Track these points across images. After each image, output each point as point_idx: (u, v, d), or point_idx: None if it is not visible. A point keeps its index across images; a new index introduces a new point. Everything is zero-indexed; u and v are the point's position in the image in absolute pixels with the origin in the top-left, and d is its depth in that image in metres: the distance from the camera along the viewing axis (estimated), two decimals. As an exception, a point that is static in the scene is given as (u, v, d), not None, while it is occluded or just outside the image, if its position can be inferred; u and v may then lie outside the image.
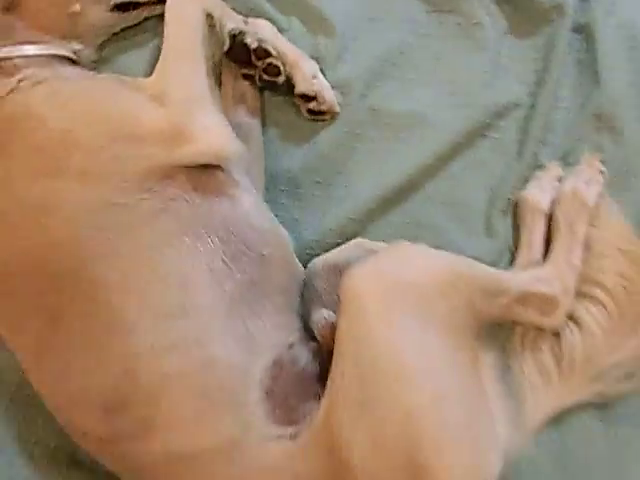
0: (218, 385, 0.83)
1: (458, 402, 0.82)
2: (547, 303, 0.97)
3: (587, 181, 1.07)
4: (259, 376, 0.84)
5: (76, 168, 0.84)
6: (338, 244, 1.04)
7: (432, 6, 1.16)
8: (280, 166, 1.09)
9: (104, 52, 1.10)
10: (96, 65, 1.09)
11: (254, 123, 1.10)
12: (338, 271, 1.03)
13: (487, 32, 1.14)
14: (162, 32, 1.08)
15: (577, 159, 1.09)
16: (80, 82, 0.96)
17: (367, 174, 1.09)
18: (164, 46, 0.97)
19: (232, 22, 1.05)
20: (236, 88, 1.10)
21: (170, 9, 1.03)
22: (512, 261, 1.07)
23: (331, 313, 0.99)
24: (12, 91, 0.90)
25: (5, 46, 0.96)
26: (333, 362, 0.84)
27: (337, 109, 1.10)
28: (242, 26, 1.05)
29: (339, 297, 0.85)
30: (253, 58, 1.05)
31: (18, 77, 0.92)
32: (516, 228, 1.09)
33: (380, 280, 0.83)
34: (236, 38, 1.04)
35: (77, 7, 1.01)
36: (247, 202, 0.95)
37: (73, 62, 1.02)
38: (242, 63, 1.07)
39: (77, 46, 1.03)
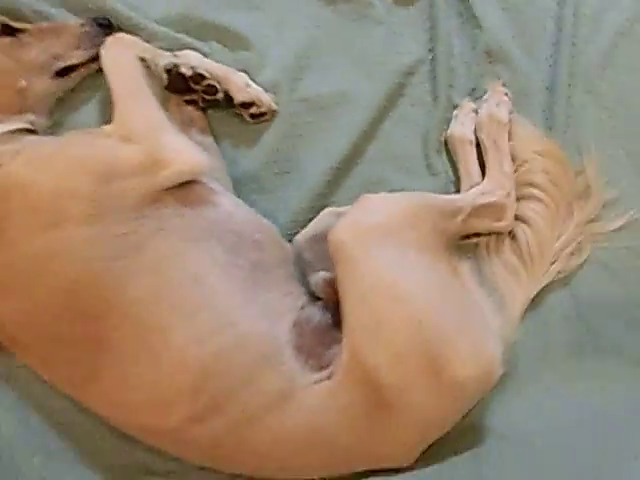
0: (256, 353, 0.92)
1: (450, 302, 0.96)
2: (496, 209, 1.11)
3: (497, 104, 1.20)
4: (286, 337, 0.95)
5: (74, 214, 0.91)
6: (311, 219, 1.14)
7: (325, 1, 1.26)
8: (240, 169, 1.17)
9: (54, 117, 1.16)
10: (51, 130, 1.15)
11: (208, 140, 1.19)
12: (319, 239, 1.15)
13: (378, 9, 1.26)
14: (100, 86, 1.22)
15: (482, 92, 1.23)
16: (53, 143, 1.03)
17: (316, 154, 1.19)
18: (114, 94, 1.05)
19: (163, 59, 1.15)
20: (183, 114, 1.18)
21: (107, 63, 1.10)
22: (457, 192, 1.18)
23: (325, 273, 1.12)
24: None
25: None
26: (341, 307, 0.95)
27: (275, 107, 1.19)
28: (174, 60, 1.14)
29: (330, 253, 0.96)
30: (191, 84, 1.15)
31: (2, 149, 0.98)
32: (452, 163, 1.22)
33: (357, 228, 0.95)
34: (171, 71, 1.13)
35: (23, 83, 1.08)
36: (226, 203, 1.05)
37: (32, 132, 1.09)
38: (182, 92, 1.16)
39: (31, 117, 1.09)
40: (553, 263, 1.14)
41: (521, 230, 1.14)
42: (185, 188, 0.99)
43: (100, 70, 1.15)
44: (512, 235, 1.15)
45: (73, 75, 1.16)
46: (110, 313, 0.90)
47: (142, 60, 1.14)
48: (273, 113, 1.20)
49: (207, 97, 1.16)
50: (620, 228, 1.16)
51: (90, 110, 1.19)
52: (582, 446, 0.98)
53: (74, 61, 1.14)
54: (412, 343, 0.90)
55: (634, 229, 1.16)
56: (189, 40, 1.22)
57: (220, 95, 1.17)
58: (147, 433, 0.97)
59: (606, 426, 1.01)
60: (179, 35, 1.22)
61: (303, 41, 1.25)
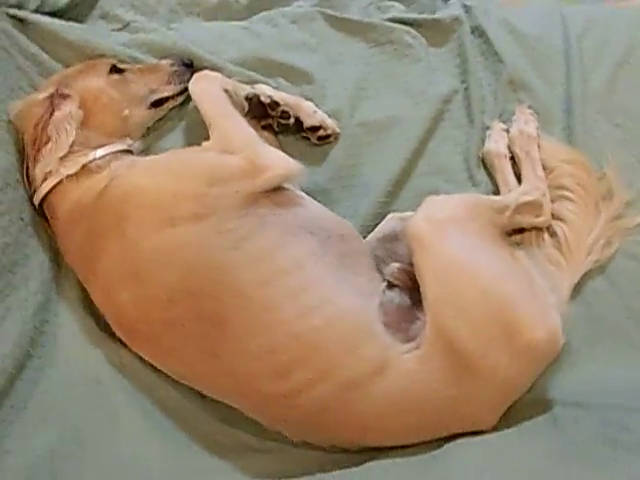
0: (354, 325, 0.98)
1: (513, 277, 1.05)
2: (535, 207, 1.21)
3: (526, 122, 1.33)
4: (375, 315, 1.01)
5: (187, 214, 0.99)
6: (376, 224, 1.24)
7: (373, 43, 1.41)
8: (312, 184, 1.25)
9: (146, 142, 1.26)
10: (144, 153, 1.23)
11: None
12: (387, 239, 1.24)
13: (416, 49, 1.41)
14: (182, 117, 1.29)
15: (509, 115, 1.36)
16: (161, 157, 1.11)
17: (375, 169, 1.30)
18: (208, 117, 1.14)
19: (243, 90, 1.24)
20: (260, 137, 1.21)
21: (197, 93, 1.19)
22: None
23: (398, 263, 1.14)
24: (112, 179, 1.04)
25: (87, 153, 1.10)
26: (421, 287, 1.02)
27: (338, 130, 1.30)
28: (252, 90, 1.25)
29: (408, 245, 1.06)
30: (269, 110, 1.25)
31: (107, 171, 1.08)
32: (490, 176, 1.33)
33: (429, 222, 1.05)
34: (251, 100, 1.24)
35: (127, 112, 1.19)
36: (312, 205, 1.14)
37: (130, 153, 1.18)
38: (260, 117, 1.26)
39: (130, 141, 1.19)
40: (589, 254, 1.22)
41: (558, 226, 1.24)
42: (277, 192, 1.08)
43: (184, 102, 1.28)
44: (551, 232, 1.24)
45: (164, 106, 1.26)
46: (226, 295, 0.96)
47: (225, 91, 1.29)
48: (337, 136, 1.30)
49: (282, 121, 1.26)
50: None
51: (174, 137, 1.28)
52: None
53: (166, 94, 1.24)
54: (487, 312, 0.97)
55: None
56: (259, 77, 1.32)
57: (292, 120, 1.26)
58: (261, 401, 0.99)
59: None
60: (250, 73, 1.33)
61: (356, 76, 1.38)
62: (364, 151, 1.33)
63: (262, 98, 1.26)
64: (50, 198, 1.11)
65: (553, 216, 1.27)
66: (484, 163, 1.36)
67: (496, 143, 1.36)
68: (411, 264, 1.13)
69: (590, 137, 1.37)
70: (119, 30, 1.41)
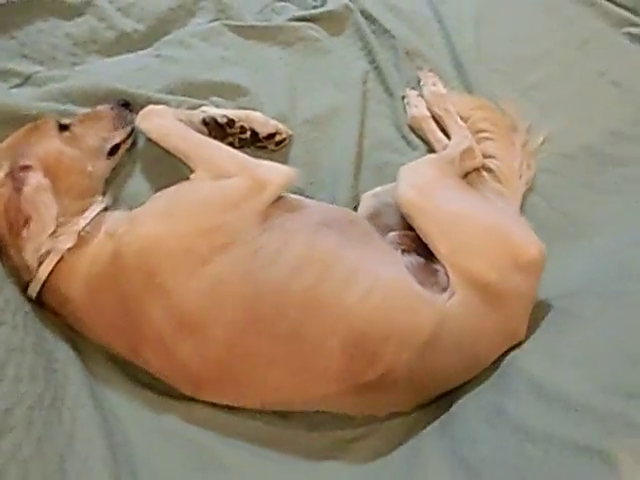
0: (406, 293, 0.99)
1: (497, 211, 1.14)
2: (470, 152, 1.30)
3: (433, 83, 1.42)
4: (411, 278, 1.02)
5: (215, 247, 0.92)
6: (355, 207, 1.25)
7: (284, 44, 1.39)
8: None
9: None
10: (113, 206, 1.09)
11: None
12: (373, 217, 1.25)
13: (322, 42, 1.43)
14: (135, 160, 1.17)
15: (414, 82, 1.46)
16: (158, 202, 0.99)
17: (334, 157, 1.29)
18: (180, 151, 1.05)
19: (196, 115, 1.14)
20: None
21: (154, 131, 1.09)
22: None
23: (395, 232, 1.17)
24: (119, 239, 0.92)
25: (75, 222, 0.96)
26: (431, 244, 1.06)
27: (290, 132, 1.26)
28: (207, 114, 1.16)
29: (405, 213, 1.10)
30: (227, 129, 1.17)
31: (101, 234, 0.94)
32: (422, 139, 1.40)
33: (414, 189, 1.11)
34: (208, 123, 1.15)
35: (90, 167, 1.04)
36: (310, 202, 1.10)
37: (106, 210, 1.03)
38: (221, 138, 1.16)
39: (100, 197, 1.05)
40: (520, 178, 1.37)
41: (491, 163, 1.34)
42: (279, 200, 1.03)
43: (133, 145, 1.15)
44: (486, 169, 1.35)
45: (119, 152, 1.11)
46: (290, 310, 0.91)
47: (180, 121, 1.19)
48: (290, 137, 1.26)
49: (241, 136, 1.19)
50: (542, 142, 1.43)
51: (136, 181, 1.15)
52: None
53: (118, 140, 1.09)
54: (492, 245, 1.04)
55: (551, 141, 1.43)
56: (194, 101, 1.23)
57: (249, 132, 1.19)
58: (356, 393, 0.96)
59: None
60: (183, 99, 1.22)
61: (283, 78, 1.34)
62: (317, 145, 1.30)
63: (218, 119, 1.20)
64: (52, 282, 0.94)
65: (484, 156, 1.43)
66: (412, 128, 1.43)
67: (417, 108, 1.46)
68: (404, 229, 1.21)
69: (480, 84, 1.48)
70: (20, 86, 1.20)
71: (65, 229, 0.92)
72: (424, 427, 1.00)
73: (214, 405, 0.95)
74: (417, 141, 1.40)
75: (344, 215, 1.07)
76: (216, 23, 1.35)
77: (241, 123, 1.17)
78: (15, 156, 0.93)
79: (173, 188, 0.99)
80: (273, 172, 1.00)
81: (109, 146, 1.07)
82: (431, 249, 1.07)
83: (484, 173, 1.38)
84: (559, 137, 1.45)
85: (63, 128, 1.02)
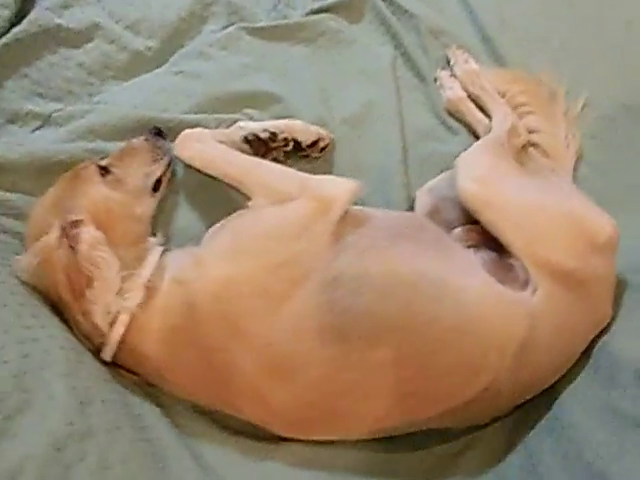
0: (494, 297, 0.92)
1: (565, 193, 1.08)
2: (514, 129, 1.21)
3: (465, 61, 1.33)
4: (491, 279, 0.95)
5: (293, 280, 0.84)
6: (411, 206, 1.17)
7: (306, 41, 1.29)
8: None
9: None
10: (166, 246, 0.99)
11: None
12: (432, 214, 1.17)
13: (344, 32, 1.32)
14: (177, 190, 1.08)
15: (443, 61, 1.36)
16: (221, 240, 0.91)
17: (380, 155, 1.21)
18: (233, 177, 0.97)
19: (236, 134, 1.06)
20: None
21: (197, 159, 1.00)
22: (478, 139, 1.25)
23: (460, 228, 1.12)
24: (189, 286, 0.85)
25: (137, 273, 0.88)
26: (502, 239, 0.99)
27: (332, 135, 1.17)
28: (248, 130, 1.07)
29: (470, 208, 1.02)
30: (270, 144, 1.08)
31: (166, 282, 0.87)
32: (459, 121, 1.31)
33: (475, 182, 1.02)
34: (250, 140, 1.06)
35: (138, 209, 0.96)
36: (375, 212, 1.02)
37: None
38: (265, 153, 1.08)
39: (154, 239, 0.97)
40: (568, 149, 1.29)
41: (536, 137, 1.26)
42: (345, 216, 0.95)
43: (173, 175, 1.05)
44: (533, 144, 1.26)
45: (162, 187, 1.03)
46: (382, 334, 0.85)
47: (221, 143, 1.09)
48: (332, 141, 1.17)
49: (285, 149, 1.10)
50: (582, 107, 1.35)
51: (183, 214, 1.07)
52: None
53: (159, 173, 1.00)
54: (566, 230, 0.97)
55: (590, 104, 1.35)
56: (227, 116, 1.14)
57: (291, 144, 1.10)
58: (466, 404, 0.90)
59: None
60: (215, 116, 1.13)
61: (312, 78, 1.24)
62: (360, 145, 1.20)
63: (260, 135, 1.10)
64: (126, 341, 0.86)
65: (528, 131, 1.35)
66: (449, 112, 1.33)
67: (452, 90, 1.36)
68: (465, 223, 1.12)
69: (510, 55, 1.38)
70: (41, 127, 1.10)
71: (130, 284, 0.83)
72: (525, 429, 0.93)
73: (313, 441, 0.88)
74: (457, 125, 1.31)
75: (411, 221, 0.99)
76: (232, 28, 1.24)
77: (284, 135, 1.08)
78: (63, 212, 0.83)
79: (234, 221, 0.90)
80: (336, 188, 0.93)
81: (152, 182, 0.97)
82: (503, 243, 0.99)
83: (531, 149, 1.30)
84: (597, 99, 1.36)
85: (104, 171, 0.91)
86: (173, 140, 1.05)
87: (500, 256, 1.02)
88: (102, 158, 0.99)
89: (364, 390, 0.84)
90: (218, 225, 0.94)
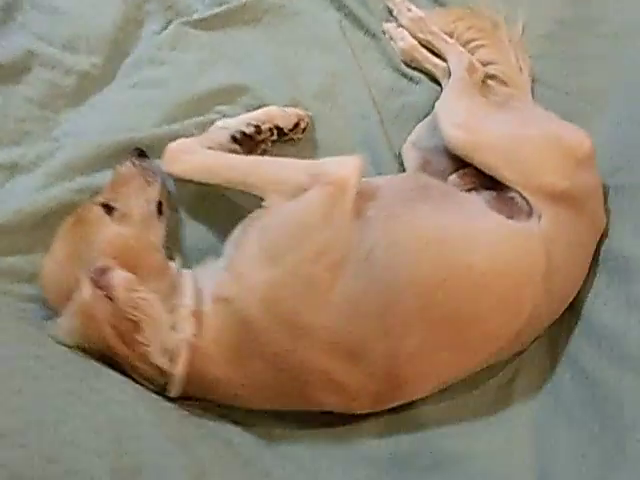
0: (512, 235, 0.96)
1: (536, 115, 1.14)
2: (471, 66, 1.24)
3: (408, 9, 1.33)
4: (500, 216, 0.98)
5: (331, 268, 0.85)
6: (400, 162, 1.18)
7: (253, 22, 1.23)
8: None
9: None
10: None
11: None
12: (423, 168, 1.16)
13: (286, 5, 1.28)
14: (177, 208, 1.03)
15: (385, 14, 1.37)
16: (246, 249, 0.89)
17: (358, 121, 1.20)
18: (236, 182, 0.94)
19: (222, 136, 1.01)
20: None
21: (190, 171, 0.96)
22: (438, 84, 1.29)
23: (454, 174, 1.13)
24: (232, 302, 0.84)
25: (179, 303, 0.84)
26: (498, 176, 1.02)
27: (310, 114, 1.15)
28: (230, 130, 1.03)
29: (461, 155, 1.05)
30: (257, 137, 1.05)
31: (207, 303, 0.86)
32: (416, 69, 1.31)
33: (459, 128, 1.05)
34: (237, 138, 1.02)
35: (152, 237, 0.93)
36: (379, 179, 1.05)
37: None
38: (253, 148, 1.04)
39: (175, 263, 0.94)
40: (522, 74, 1.31)
41: (492, 69, 1.28)
42: (357, 193, 0.93)
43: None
44: (489, 77, 1.29)
45: (164, 208, 0.97)
46: (431, 294, 0.87)
47: (210, 149, 1.03)
48: (311, 119, 1.14)
49: (271, 138, 1.07)
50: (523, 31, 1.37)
51: (191, 229, 1.02)
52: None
53: (157, 194, 0.94)
54: (553, 153, 1.00)
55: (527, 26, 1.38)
56: (201, 119, 1.08)
57: (275, 131, 1.08)
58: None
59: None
60: (192, 121, 1.08)
61: (268, 59, 1.21)
62: (335, 116, 1.19)
63: (246, 130, 1.06)
64: (191, 373, 0.84)
65: (483, 64, 1.37)
66: (406, 63, 1.33)
67: (403, 40, 1.35)
68: (458, 169, 1.12)
69: None
70: (12, 178, 1.00)
71: (177, 315, 0.80)
72: (562, 342, 1.02)
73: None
74: (416, 74, 1.31)
75: (414, 182, 1.01)
76: (174, 25, 1.16)
77: (267, 125, 1.04)
78: (83, 263, 0.78)
79: (256, 224, 0.87)
80: (344, 168, 0.92)
81: (154, 206, 0.92)
82: (499, 179, 1.02)
83: (489, 82, 1.33)
84: (534, 20, 1.40)
85: (108, 209, 0.85)
86: (156, 157, 0.98)
87: (499, 193, 1.05)
88: (92, 195, 0.91)
89: (424, 351, 0.86)
90: (237, 232, 0.91)
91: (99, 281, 0.75)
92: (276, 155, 1.08)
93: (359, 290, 0.84)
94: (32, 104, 1.00)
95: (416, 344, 0.85)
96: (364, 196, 0.93)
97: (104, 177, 0.94)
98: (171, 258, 0.92)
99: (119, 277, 0.76)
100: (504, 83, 1.31)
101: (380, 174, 1.12)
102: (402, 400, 0.90)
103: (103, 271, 0.76)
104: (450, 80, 1.22)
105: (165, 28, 1.16)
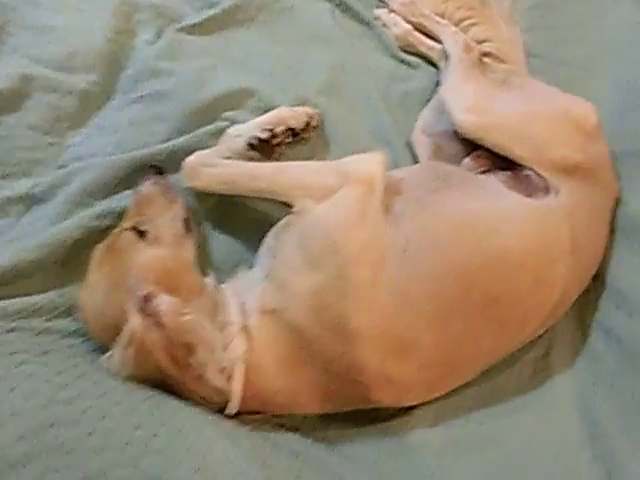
0: (533, 214, 0.95)
1: (540, 92, 1.12)
2: (467, 46, 1.23)
3: None
4: (519, 195, 0.98)
5: (371, 265, 0.84)
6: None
7: (247, 22, 1.20)
8: None
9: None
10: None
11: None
12: (436, 156, 1.16)
13: (281, 1, 1.26)
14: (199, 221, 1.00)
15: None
16: (285, 257, 0.88)
17: (368, 113, 1.19)
18: (261, 190, 0.92)
19: (238, 144, 0.99)
20: None
21: (212, 186, 0.94)
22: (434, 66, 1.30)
23: (467, 158, 1.12)
24: (279, 312, 0.83)
25: (227, 321, 0.83)
26: (512, 156, 1.02)
27: (319, 111, 1.12)
28: (245, 137, 1.01)
29: (469, 138, 1.05)
30: (272, 142, 1.02)
31: (253, 316, 0.84)
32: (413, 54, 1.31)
33: (470, 112, 1.05)
34: (254, 145, 1.00)
35: (184, 254, 0.89)
36: (400, 173, 1.02)
37: None
38: (270, 152, 1.02)
39: (210, 278, 0.92)
40: (518, 46, 1.32)
41: (487, 46, 1.28)
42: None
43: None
44: (485, 55, 1.28)
45: (191, 224, 0.94)
46: (470, 279, 0.87)
47: (228, 159, 0.99)
48: (321, 116, 1.12)
49: (286, 141, 1.05)
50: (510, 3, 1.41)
51: (219, 241, 1.00)
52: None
53: (182, 211, 0.91)
54: (562, 128, 1.02)
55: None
56: (211, 127, 1.05)
57: (288, 132, 1.05)
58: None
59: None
60: (202, 131, 1.05)
61: (270, 60, 1.19)
62: (343, 111, 1.17)
63: (261, 136, 1.04)
64: (248, 389, 0.82)
65: (477, 42, 1.37)
66: (402, 49, 1.32)
67: (396, 26, 1.34)
68: (470, 152, 1.12)
69: None
70: (29, 210, 0.96)
71: (227, 334, 0.79)
72: (591, 311, 1.04)
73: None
74: (414, 59, 1.31)
75: (433, 171, 1.00)
76: (169, 33, 1.12)
77: (280, 127, 1.02)
78: (125, 292, 0.76)
79: (291, 232, 0.86)
80: (370, 165, 0.91)
81: (181, 224, 0.89)
82: (513, 159, 1.03)
83: (485, 60, 1.32)
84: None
85: (139, 233, 0.83)
86: (172, 172, 0.96)
87: (514, 172, 1.05)
88: (115, 220, 0.89)
89: (469, 336, 0.86)
90: (269, 241, 0.89)
91: (146, 309, 0.73)
92: (290, 157, 1.05)
93: (401, 284, 0.83)
94: (36, 131, 0.96)
95: (461, 330, 0.85)
96: (390, 191, 0.93)
97: (124, 199, 0.90)
98: (204, 274, 0.90)
99: (165, 302, 0.74)
100: (500, 60, 1.31)
101: (395, 164, 1.10)
102: (452, 387, 0.90)
103: (148, 298, 0.74)
104: (450, 63, 1.21)
105: (159, 36, 1.11)
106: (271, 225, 0.93)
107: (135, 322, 0.71)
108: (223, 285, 0.87)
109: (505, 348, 0.91)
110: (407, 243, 0.86)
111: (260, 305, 0.81)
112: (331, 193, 0.86)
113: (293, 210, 0.88)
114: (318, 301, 0.79)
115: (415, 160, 1.15)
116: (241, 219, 0.96)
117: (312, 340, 0.77)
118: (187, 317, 0.74)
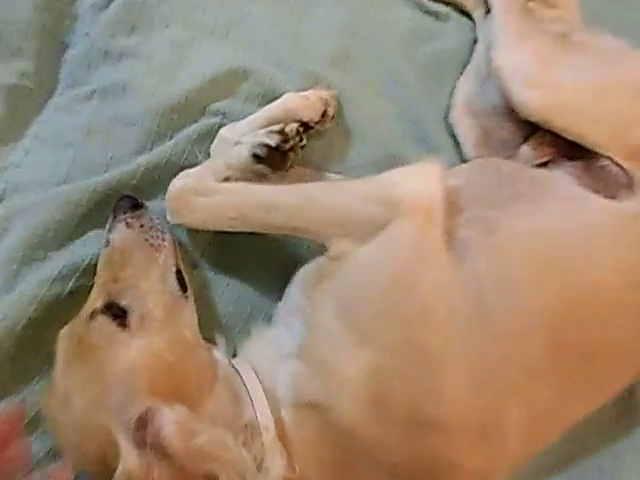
0: (611, 221, 0.78)
1: (607, 52, 0.92)
2: None
3: None
4: (593, 195, 0.81)
5: (442, 318, 0.65)
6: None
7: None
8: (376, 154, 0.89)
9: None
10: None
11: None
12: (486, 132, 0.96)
13: None
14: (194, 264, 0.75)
15: None
16: (328, 323, 0.66)
17: (396, 92, 0.95)
18: (281, 226, 0.69)
19: (241, 155, 0.74)
20: (293, 176, 0.84)
21: (212, 223, 0.69)
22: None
23: (525, 145, 0.92)
24: (318, 408, 0.63)
25: (250, 433, 0.60)
26: (582, 141, 0.84)
27: (334, 92, 0.88)
28: (246, 145, 0.75)
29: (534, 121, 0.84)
30: (282, 147, 0.77)
31: (285, 403, 0.65)
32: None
33: (534, 87, 0.83)
34: (261, 156, 0.75)
35: (184, 332, 0.66)
36: (453, 177, 0.82)
37: None
38: (284, 159, 0.77)
39: (218, 349, 0.70)
40: None
41: None
42: None
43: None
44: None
45: (187, 280, 0.70)
46: (569, 314, 0.70)
47: (226, 179, 0.74)
48: (338, 99, 0.86)
49: (301, 143, 0.79)
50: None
51: (227, 298, 0.76)
52: None
53: (173, 263, 0.68)
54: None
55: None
56: (196, 127, 0.78)
57: (302, 129, 0.79)
58: None
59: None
60: (183, 133, 0.78)
61: (266, 25, 0.89)
62: (362, 86, 0.91)
63: (271, 143, 0.75)
64: None
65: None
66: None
67: None
68: (527, 134, 0.90)
69: None
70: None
71: (257, 444, 0.57)
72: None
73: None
74: (442, 8, 1.04)
75: (496, 173, 0.79)
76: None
77: (292, 125, 0.74)
78: (112, 409, 0.51)
79: (328, 289, 0.62)
80: (424, 184, 0.68)
81: (174, 280, 0.64)
82: (585, 146, 0.82)
83: (530, 4, 1.06)
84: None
85: (116, 317, 0.57)
86: (148, 198, 0.68)
87: (586, 162, 0.84)
88: (77, 280, 0.62)
89: (563, 403, 0.70)
90: (296, 295, 0.66)
91: (145, 437, 0.49)
92: (302, 157, 0.78)
93: (477, 350, 0.63)
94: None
95: (551, 398, 0.67)
96: (448, 208, 0.69)
97: (89, 244, 0.63)
98: (209, 340, 0.65)
99: (169, 421, 0.51)
100: (550, 5, 1.03)
101: (429, 152, 0.88)
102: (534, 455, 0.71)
103: (144, 421, 0.50)
104: (494, 13, 0.93)
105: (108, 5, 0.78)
106: (290, 258, 0.72)
107: (131, 460, 0.48)
108: (238, 359, 0.62)
109: (599, 404, 0.74)
110: (479, 289, 0.65)
111: (294, 397, 0.59)
112: (377, 230, 0.63)
113: (327, 254, 0.62)
114: (376, 390, 0.59)
115: (457, 147, 0.88)
116: (249, 256, 0.69)
117: (371, 442, 0.59)
118: (203, 437, 0.50)
